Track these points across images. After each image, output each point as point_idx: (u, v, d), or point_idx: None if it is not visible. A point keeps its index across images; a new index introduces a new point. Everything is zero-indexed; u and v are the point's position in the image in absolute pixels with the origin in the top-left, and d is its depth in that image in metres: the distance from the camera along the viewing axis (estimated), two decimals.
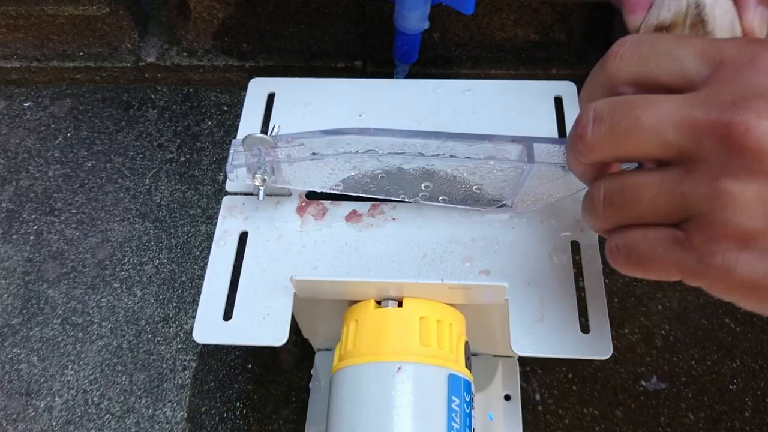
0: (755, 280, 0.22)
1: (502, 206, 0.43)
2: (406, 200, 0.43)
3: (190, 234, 0.76)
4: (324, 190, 0.44)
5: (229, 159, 0.42)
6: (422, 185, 0.42)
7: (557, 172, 0.37)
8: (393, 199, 0.43)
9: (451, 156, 0.39)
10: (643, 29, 0.42)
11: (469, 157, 0.38)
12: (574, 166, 0.28)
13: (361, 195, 0.43)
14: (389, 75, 0.79)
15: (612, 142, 0.24)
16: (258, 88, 0.52)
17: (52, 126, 0.87)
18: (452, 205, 0.43)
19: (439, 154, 0.39)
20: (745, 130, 0.21)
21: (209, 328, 0.41)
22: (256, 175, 0.41)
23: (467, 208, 0.43)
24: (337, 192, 0.43)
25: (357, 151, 0.39)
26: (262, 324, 0.40)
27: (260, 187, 0.42)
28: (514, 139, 0.38)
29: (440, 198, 0.42)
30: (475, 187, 0.41)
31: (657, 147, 0.23)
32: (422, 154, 0.38)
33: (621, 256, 0.26)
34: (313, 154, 0.39)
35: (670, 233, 0.24)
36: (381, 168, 0.40)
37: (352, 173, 0.41)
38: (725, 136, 0.21)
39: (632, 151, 0.24)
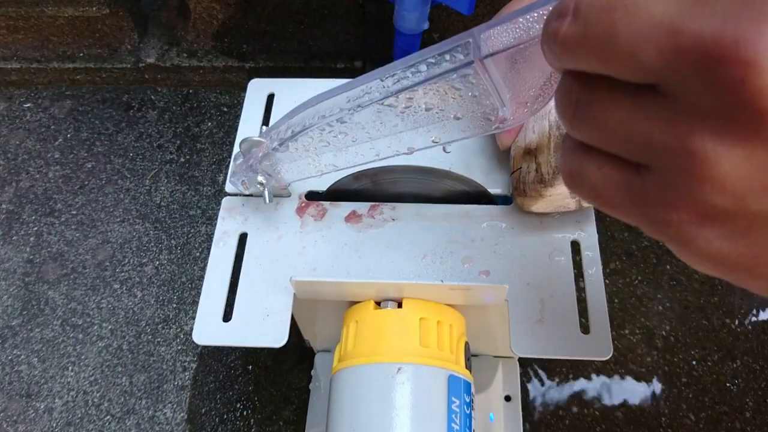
0: (718, 259, 0.18)
1: (500, 123, 0.33)
2: (399, 154, 0.38)
3: (190, 235, 0.76)
4: (324, 174, 0.43)
5: (230, 171, 0.42)
6: (399, 133, 0.36)
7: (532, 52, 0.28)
8: (390, 159, 0.39)
9: (392, 88, 0.33)
10: (513, 152, 0.42)
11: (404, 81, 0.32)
12: (550, 63, 0.21)
13: (362, 167, 0.40)
14: None
15: (584, 49, 0.18)
16: (258, 89, 0.52)
17: (52, 127, 0.87)
18: (447, 142, 0.36)
19: (386, 93, 0.33)
20: (749, 65, 0.14)
21: (209, 329, 0.41)
22: (250, 180, 0.41)
23: (460, 139, 0.36)
24: (336, 170, 0.41)
25: (312, 124, 0.36)
26: (261, 325, 0.40)
27: (264, 191, 0.42)
28: (453, 40, 0.30)
29: (431, 140, 0.36)
30: (453, 115, 0.34)
31: (631, 70, 0.17)
32: (367, 98, 0.34)
33: (574, 183, 0.21)
34: (280, 141, 0.38)
35: (626, 176, 0.19)
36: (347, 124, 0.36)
37: (331, 152, 0.38)
38: (715, 71, 0.15)
39: (606, 67, 0.18)
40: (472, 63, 0.29)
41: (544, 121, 0.38)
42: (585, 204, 0.40)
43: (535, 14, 0.26)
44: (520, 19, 0.27)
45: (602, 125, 0.19)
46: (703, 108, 0.16)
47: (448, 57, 0.30)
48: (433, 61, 0.31)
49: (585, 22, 0.17)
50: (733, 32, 0.14)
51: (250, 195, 0.46)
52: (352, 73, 0.85)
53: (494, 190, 0.45)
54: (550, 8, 0.22)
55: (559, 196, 0.39)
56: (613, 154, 0.19)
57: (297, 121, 0.37)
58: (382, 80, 0.33)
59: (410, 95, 0.33)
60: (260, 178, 0.41)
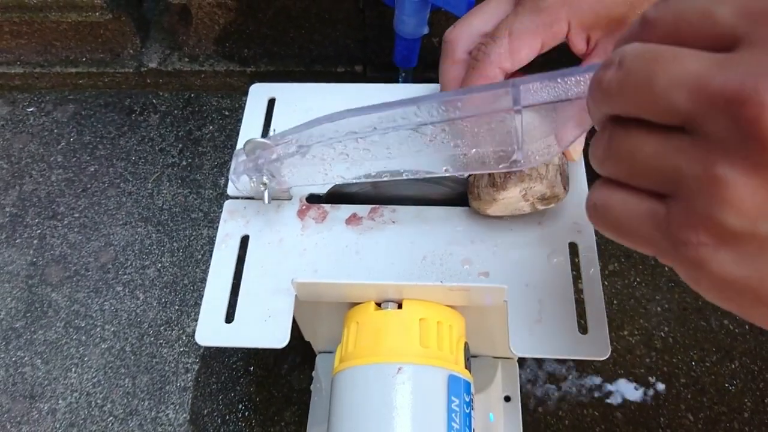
0: (728, 282, 0.20)
1: (512, 164, 0.38)
2: (410, 176, 0.41)
3: (192, 237, 0.77)
4: (327, 184, 0.44)
5: (232, 168, 0.42)
6: (417, 158, 0.39)
7: (554, 111, 0.33)
8: (397, 179, 0.41)
9: (430, 119, 0.36)
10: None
11: (443, 114, 0.36)
12: (592, 114, 0.24)
13: (365, 181, 0.42)
14: (389, 80, 0.80)
15: (624, 94, 0.21)
16: (259, 93, 0.53)
17: (55, 131, 0.87)
18: (459, 174, 0.41)
19: (422, 120, 0.36)
20: (762, 109, 0.17)
21: (211, 330, 0.41)
22: (257, 179, 0.42)
23: (476, 173, 0.41)
24: (341, 182, 0.42)
25: (336, 136, 0.38)
26: (263, 326, 0.41)
27: (264, 191, 0.43)
28: (496, 86, 0.34)
29: (443, 169, 0.40)
30: (474, 150, 0.38)
31: (664, 111, 0.20)
32: (396, 124, 0.37)
33: (597, 216, 0.24)
34: (298, 147, 0.39)
35: (650, 207, 0.22)
36: (368, 146, 0.39)
37: (346, 164, 0.40)
38: (738, 112, 0.18)
39: (642, 110, 0.21)
40: (512, 110, 0.33)
41: (483, 123, 0.39)
42: (539, 207, 0.41)
43: (573, 79, 0.31)
44: (559, 80, 0.32)
45: (633, 160, 0.22)
46: (726, 142, 0.19)
47: (490, 99, 0.34)
48: (475, 99, 0.35)
49: (629, 69, 0.21)
50: (752, 83, 0.18)
51: (251, 198, 0.47)
52: (352, 77, 0.86)
53: None
54: (587, 75, 0.30)
55: (512, 199, 0.40)
56: (637, 187, 0.22)
57: (321, 131, 0.39)
58: (419, 107, 0.36)
59: (444, 127, 0.36)
60: (264, 179, 0.42)
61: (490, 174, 0.40)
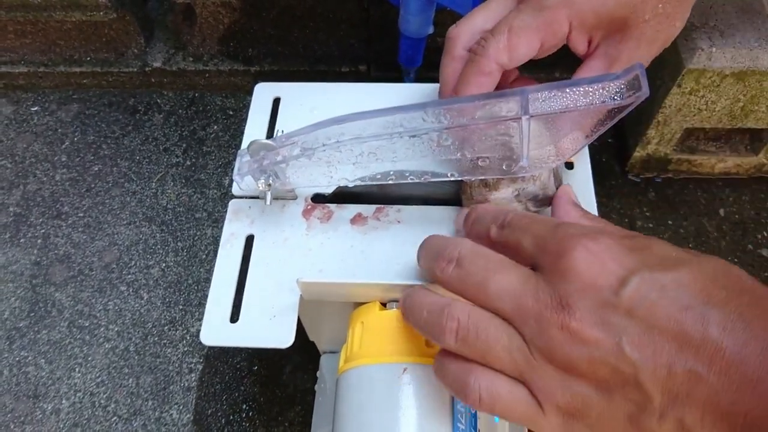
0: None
1: (517, 170, 0.39)
2: (415, 180, 0.42)
3: (197, 237, 0.77)
4: (332, 186, 0.44)
5: (236, 168, 0.42)
6: (422, 162, 0.40)
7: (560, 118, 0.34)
8: (402, 182, 0.42)
9: (438, 124, 0.37)
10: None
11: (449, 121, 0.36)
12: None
13: (369, 183, 0.42)
14: (394, 79, 0.80)
15: (462, 288, 0.29)
16: (263, 93, 0.52)
17: (59, 130, 0.87)
18: (465, 178, 0.41)
19: (427, 126, 0.37)
20: (555, 344, 0.25)
21: (216, 330, 0.41)
22: (261, 180, 0.41)
23: (480, 178, 0.41)
24: (345, 184, 0.43)
25: (342, 139, 0.38)
26: (268, 326, 0.41)
27: (266, 192, 0.42)
28: (504, 93, 0.35)
29: (449, 174, 0.41)
30: (480, 156, 0.39)
31: (497, 308, 0.27)
32: (403, 129, 0.37)
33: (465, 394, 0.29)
34: (303, 149, 0.39)
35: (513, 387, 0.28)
36: (373, 151, 0.39)
37: (352, 167, 0.40)
38: (542, 337, 0.25)
39: (479, 301, 0.28)
40: (520, 118, 0.34)
41: (490, 130, 0.39)
42: (532, 208, 0.41)
43: (581, 89, 0.33)
44: (567, 90, 0.33)
45: (486, 352, 0.28)
46: (534, 342, 0.26)
47: (497, 107, 0.35)
48: (480, 107, 0.35)
49: (467, 270, 0.29)
50: (548, 313, 0.26)
51: (256, 197, 0.47)
52: (356, 77, 0.85)
53: None
54: (596, 85, 0.32)
55: (504, 200, 0.40)
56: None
57: (327, 133, 0.39)
58: (426, 112, 0.36)
59: (451, 133, 0.37)
60: (269, 180, 0.42)
61: None
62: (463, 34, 0.41)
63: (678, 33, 0.38)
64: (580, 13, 0.37)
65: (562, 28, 0.37)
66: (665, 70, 0.66)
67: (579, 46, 0.39)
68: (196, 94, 0.90)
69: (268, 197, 0.43)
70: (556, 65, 0.81)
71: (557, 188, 0.40)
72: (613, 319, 0.24)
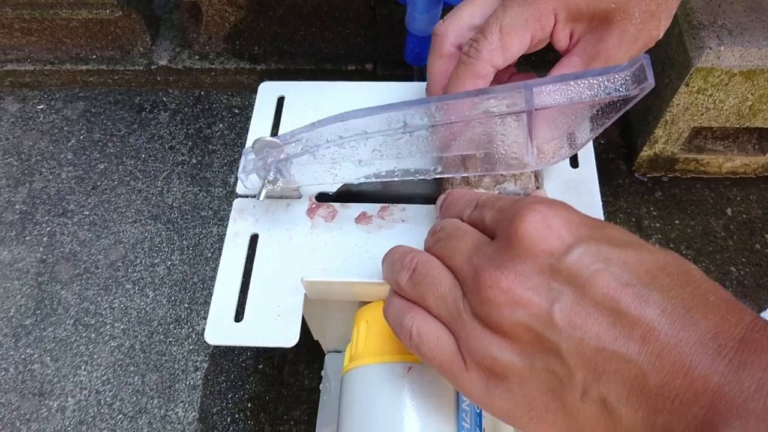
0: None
1: (523, 165, 0.40)
2: (420, 177, 0.42)
3: (202, 236, 0.77)
4: (336, 184, 0.44)
5: (241, 166, 0.42)
6: (425, 158, 0.40)
7: (565, 110, 0.35)
8: (407, 178, 0.42)
9: (438, 119, 0.37)
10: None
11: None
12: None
13: (374, 180, 0.42)
14: (400, 78, 0.79)
15: (440, 252, 0.29)
16: (268, 92, 0.52)
17: (65, 128, 0.87)
18: (471, 175, 0.41)
19: (429, 122, 0.37)
20: (484, 302, 0.25)
21: (221, 329, 0.41)
22: (272, 178, 0.41)
23: (487, 174, 0.42)
24: (350, 182, 0.42)
25: (346, 136, 0.38)
26: (273, 325, 0.41)
27: (262, 188, 0.42)
28: (508, 87, 0.35)
29: (455, 171, 0.41)
30: (485, 152, 0.39)
31: (450, 266, 0.28)
32: (407, 125, 0.37)
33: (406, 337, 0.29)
34: (307, 147, 0.39)
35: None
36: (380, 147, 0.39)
37: (356, 164, 0.40)
38: (475, 294, 0.26)
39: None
40: (523, 112, 0.34)
41: (476, 129, 0.39)
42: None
43: (586, 82, 0.32)
44: (572, 83, 0.33)
45: (428, 294, 0.29)
46: (476, 314, 0.26)
47: (500, 101, 0.34)
48: (485, 101, 0.35)
49: (443, 234, 0.30)
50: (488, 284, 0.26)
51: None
52: (363, 75, 0.85)
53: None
54: (600, 78, 0.32)
55: None
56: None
57: (331, 131, 0.38)
58: (428, 109, 0.36)
59: (452, 128, 0.37)
60: (271, 176, 0.41)
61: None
62: (451, 30, 0.40)
63: (660, 36, 0.38)
64: (565, 5, 0.36)
65: (550, 21, 0.37)
66: (673, 68, 0.66)
67: (561, 41, 0.38)
68: (202, 92, 0.90)
69: (262, 194, 0.43)
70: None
71: (537, 188, 0.40)
72: (550, 284, 0.24)
